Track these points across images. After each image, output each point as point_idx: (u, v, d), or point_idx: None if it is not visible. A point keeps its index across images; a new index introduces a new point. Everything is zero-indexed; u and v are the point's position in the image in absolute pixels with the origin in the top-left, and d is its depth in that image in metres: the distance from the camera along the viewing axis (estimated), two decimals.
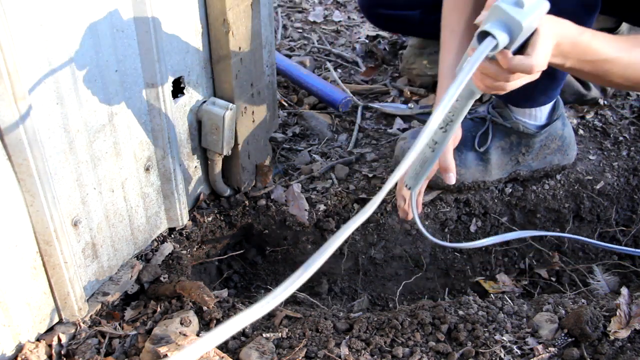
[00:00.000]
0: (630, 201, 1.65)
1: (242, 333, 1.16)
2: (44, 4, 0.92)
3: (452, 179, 1.27)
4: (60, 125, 1.01)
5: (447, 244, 1.44)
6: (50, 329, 1.12)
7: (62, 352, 1.10)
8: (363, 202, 1.57)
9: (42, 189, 0.97)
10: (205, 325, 1.17)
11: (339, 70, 2.23)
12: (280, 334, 1.15)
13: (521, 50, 0.87)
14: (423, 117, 1.87)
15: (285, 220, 1.54)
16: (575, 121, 1.78)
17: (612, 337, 1.11)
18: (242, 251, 1.63)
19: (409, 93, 2.02)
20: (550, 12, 0.85)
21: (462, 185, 1.53)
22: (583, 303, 1.23)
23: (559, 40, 0.92)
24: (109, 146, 1.14)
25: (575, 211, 1.62)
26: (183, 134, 1.34)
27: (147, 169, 1.26)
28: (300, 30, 2.55)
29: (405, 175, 1.24)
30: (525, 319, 1.19)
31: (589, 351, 1.10)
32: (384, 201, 1.55)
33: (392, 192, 1.56)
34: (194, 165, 1.42)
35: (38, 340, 1.09)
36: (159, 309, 1.20)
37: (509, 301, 1.24)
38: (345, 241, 1.56)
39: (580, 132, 1.75)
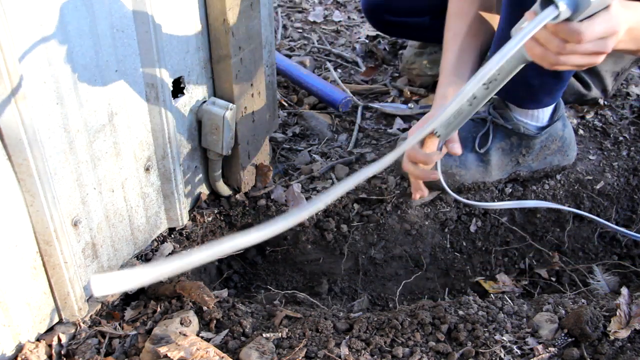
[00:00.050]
0: (630, 201, 1.65)
1: (242, 333, 1.16)
2: (44, 4, 0.92)
3: (458, 148, 1.25)
4: (60, 125, 1.01)
5: (468, 201, 1.41)
6: (50, 329, 1.12)
7: (62, 352, 1.10)
8: (363, 202, 1.57)
9: (42, 189, 0.97)
10: (205, 325, 1.17)
11: (339, 70, 2.23)
12: (280, 334, 1.15)
13: None
14: None
15: None
16: (575, 121, 1.78)
17: (612, 337, 1.11)
18: (242, 251, 1.63)
19: (409, 93, 2.02)
20: None
21: (462, 186, 1.53)
22: (583, 303, 1.23)
23: (632, 25, 0.89)
24: (109, 146, 1.14)
25: None
26: (183, 134, 1.34)
27: (147, 169, 1.26)
28: (300, 30, 2.55)
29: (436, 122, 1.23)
30: (525, 319, 1.19)
31: (589, 351, 1.10)
32: (383, 201, 1.55)
33: (392, 192, 1.57)
34: (194, 165, 1.42)
35: (38, 340, 1.09)
36: (159, 309, 1.20)
37: (509, 301, 1.24)
38: (346, 241, 1.57)
39: (580, 132, 1.75)
